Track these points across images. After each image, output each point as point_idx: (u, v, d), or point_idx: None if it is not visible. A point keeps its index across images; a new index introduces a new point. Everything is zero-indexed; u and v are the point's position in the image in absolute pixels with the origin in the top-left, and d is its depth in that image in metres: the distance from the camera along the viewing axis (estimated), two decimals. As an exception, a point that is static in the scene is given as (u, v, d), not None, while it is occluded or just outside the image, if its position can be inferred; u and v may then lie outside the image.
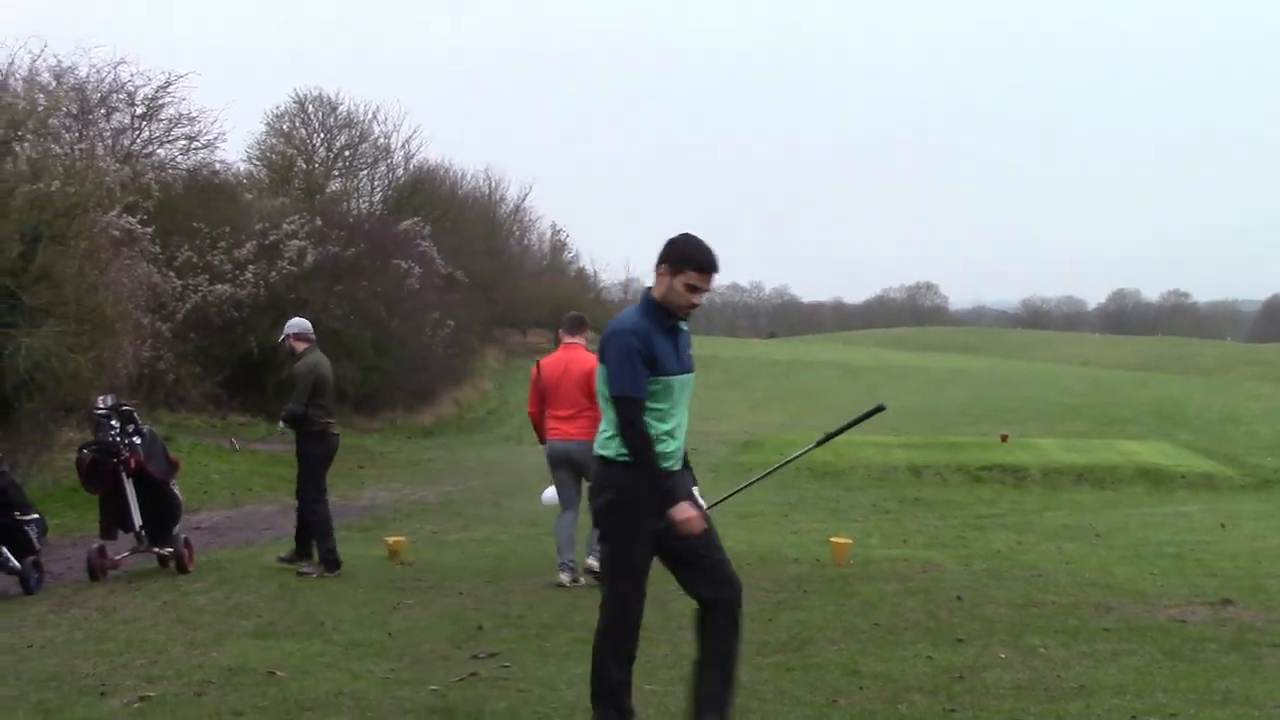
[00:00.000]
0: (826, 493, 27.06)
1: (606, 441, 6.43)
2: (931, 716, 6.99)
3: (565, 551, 12.58)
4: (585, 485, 12.51)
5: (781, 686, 7.72)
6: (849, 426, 9.00)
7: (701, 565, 6.64)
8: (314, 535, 13.48)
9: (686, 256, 6.33)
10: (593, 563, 12.19)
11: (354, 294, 41.97)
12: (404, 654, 8.75)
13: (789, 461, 9.80)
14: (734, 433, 42.25)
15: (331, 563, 13.25)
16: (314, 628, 9.78)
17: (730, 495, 10.33)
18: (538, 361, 13.05)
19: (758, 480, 9.72)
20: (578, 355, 12.59)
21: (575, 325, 12.98)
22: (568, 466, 12.52)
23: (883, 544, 17.95)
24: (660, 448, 6.30)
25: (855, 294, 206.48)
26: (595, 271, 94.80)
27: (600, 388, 6.45)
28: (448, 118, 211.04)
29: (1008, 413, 48.71)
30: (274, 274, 39.84)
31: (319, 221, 42.94)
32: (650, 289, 6.45)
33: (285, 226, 41.59)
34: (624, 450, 6.29)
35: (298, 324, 14.25)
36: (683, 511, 6.20)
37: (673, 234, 6.45)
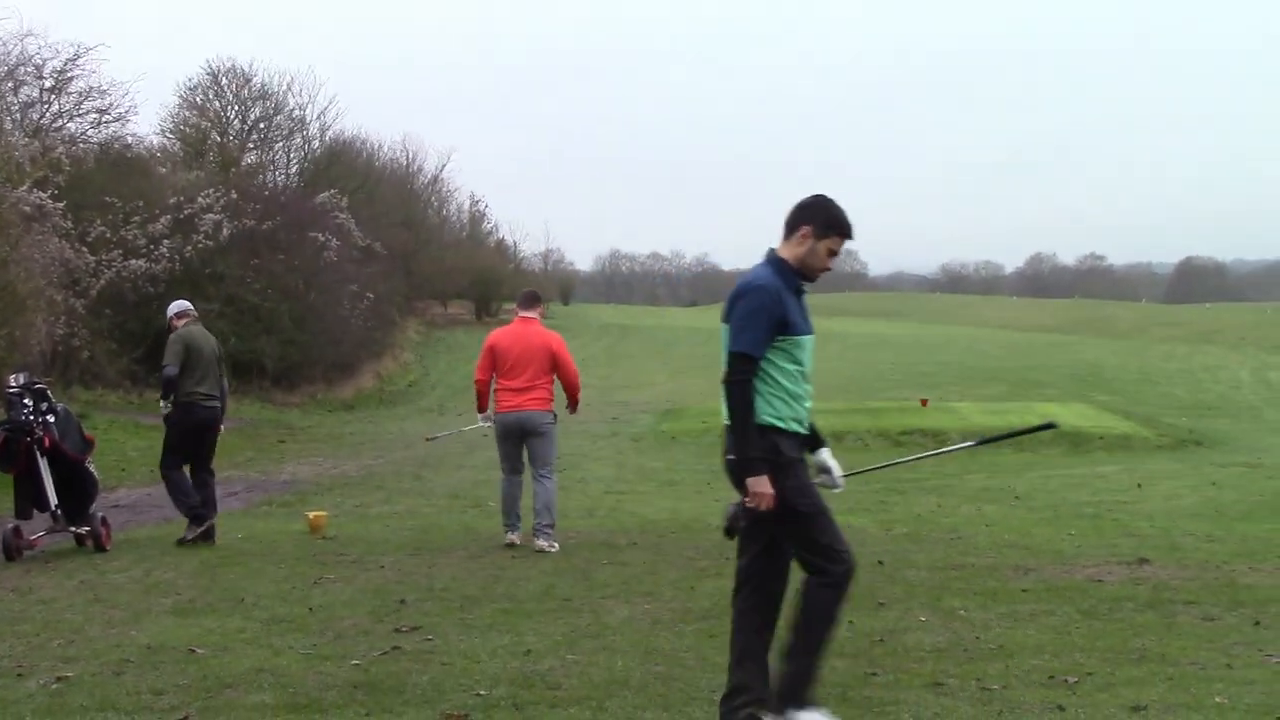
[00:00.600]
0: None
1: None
2: (853, 680, 7.02)
3: (512, 514, 13.01)
4: (527, 454, 13.02)
5: (704, 654, 7.73)
6: (1012, 436, 9.27)
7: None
8: (171, 498, 13.81)
9: (834, 221, 6.25)
10: (543, 544, 12.55)
11: (271, 268, 41.64)
12: (325, 629, 8.70)
13: (936, 454, 10.20)
14: (655, 401, 42.33)
15: (196, 518, 13.44)
16: (234, 604, 9.70)
17: (875, 468, 10.58)
18: (491, 331, 13.47)
19: (908, 461, 9.81)
20: (534, 329, 13.01)
21: (531, 300, 13.46)
22: (518, 437, 12.86)
23: (805, 510, 18.02)
24: (802, 407, 6.14)
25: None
26: (515, 242, 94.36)
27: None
28: (365, 88, 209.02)
29: (927, 377, 49.07)
30: (189, 249, 39.43)
31: (234, 195, 42.52)
32: (776, 250, 6.27)
33: (200, 200, 41.13)
34: (772, 413, 6.03)
35: (175, 306, 14.50)
36: (760, 485, 5.90)
37: (808, 198, 6.37)
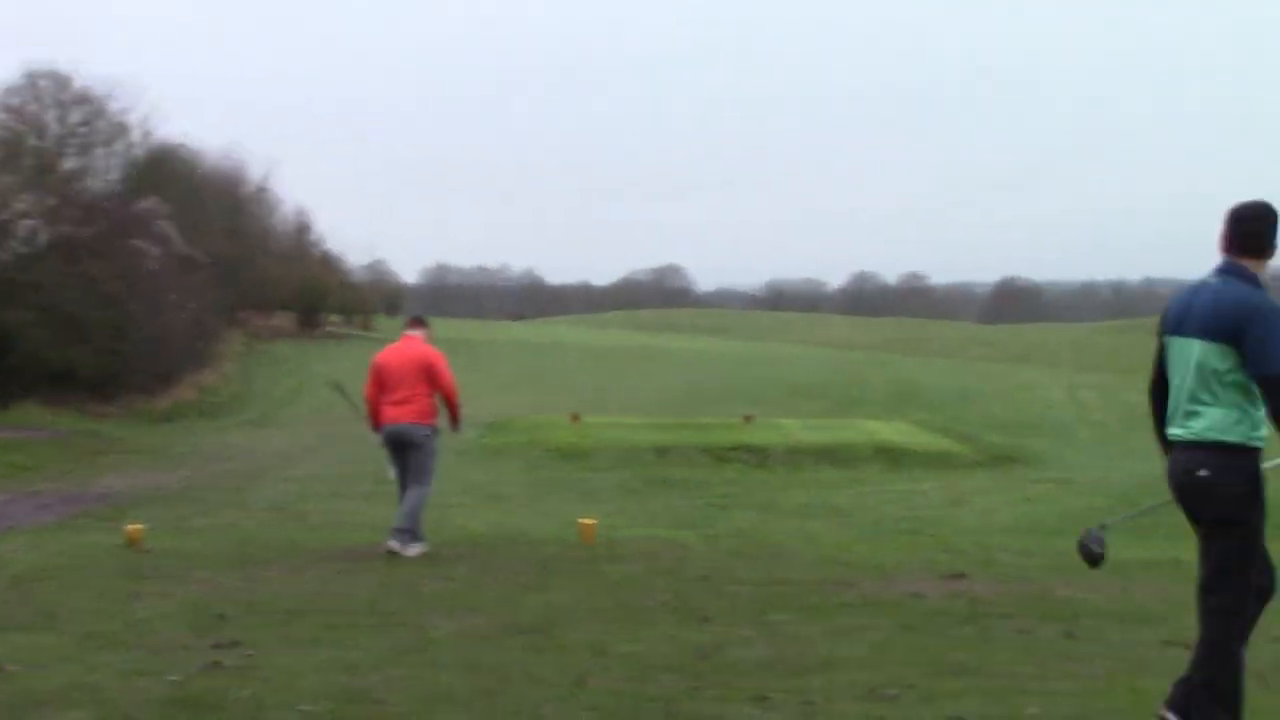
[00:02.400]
0: (574, 474, 27.17)
1: (1231, 427, 5.83)
2: (678, 695, 7.05)
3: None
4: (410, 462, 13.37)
5: (529, 668, 7.71)
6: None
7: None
8: None
9: None
10: (395, 545, 12.88)
11: (91, 275, 40.74)
12: (142, 644, 8.51)
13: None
14: (480, 414, 42.15)
15: None
16: (47, 620, 9.45)
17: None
18: (376, 354, 13.95)
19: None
20: (415, 345, 13.60)
21: (415, 322, 14.13)
22: (400, 447, 13.34)
23: (630, 524, 18.11)
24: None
25: (602, 276, 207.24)
26: (341, 253, 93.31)
27: (1223, 368, 5.82)
28: (190, 94, 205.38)
29: (752, 393, 49.50)
30: (4, 254, 38.42)
31: (52, 200, 41.53)
32: (1246, 264, 5.93)
33: (16, 205, 40.11)
34: (1253, 435, 5.80)
35: None
36: None
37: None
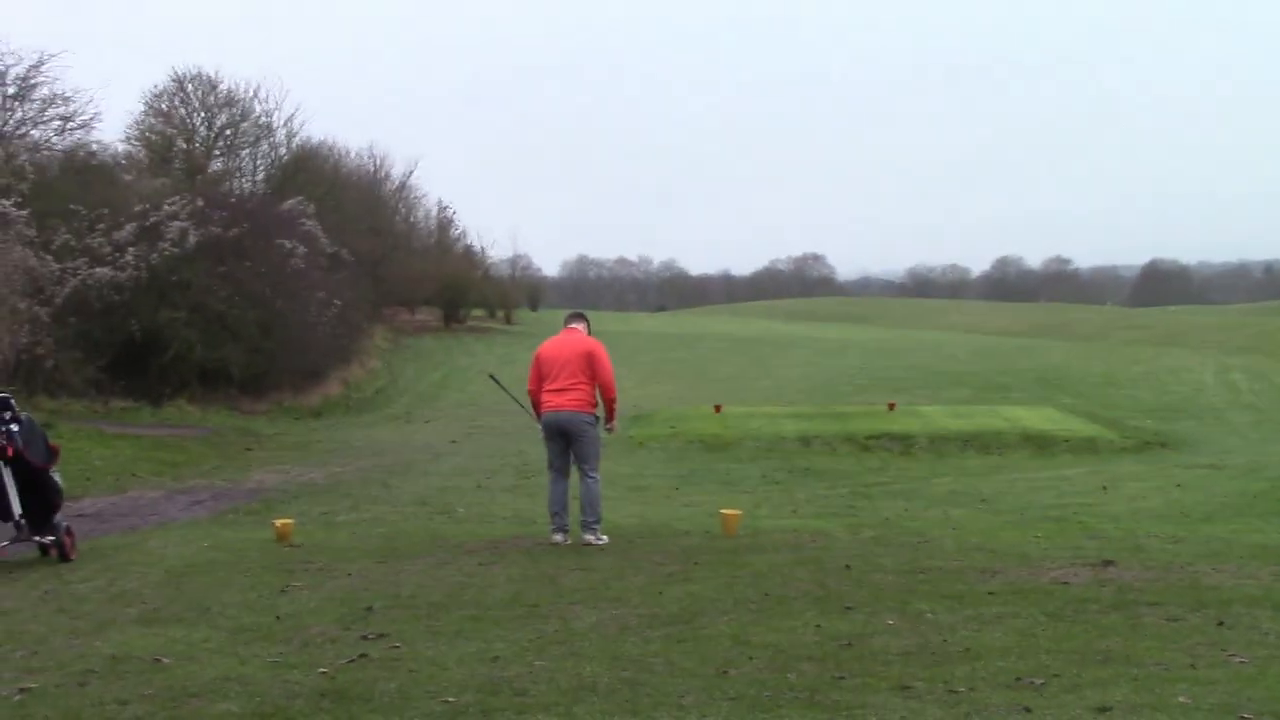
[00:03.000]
0: (717, 465, 27.17)
1: None
2: (820, 684, 7.02)
3: (559, 516, 13.66)
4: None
5: (671, 659, 7.72)
6: None
7: None
8: None
9: None
10: (590, 539, 13.38)
11: (237, 275, 41.48)
12: (292, 637, 8.66)
13: None
14: (623, 407, 42.26)
15: None
16: (200, 613, 9.65)
17: None
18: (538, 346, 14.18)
19: None
20: (576, 336, 13.84)
21: (575, 316, 14.38)
22: (559, 436, 13.60)
23: (773, 514, 18.07)
24: None
25: (744, 266, 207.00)
26: (483, 248, 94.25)
27: None
28: (333, 93, 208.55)
29: (894, 381, 49.16)
30: (155, 256, 39.26)
31: (200, 202, 42.34)
32: None
33: (166, 208, 40.97)
34: None
35: None
36: None
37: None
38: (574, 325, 14.06)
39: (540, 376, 13.66)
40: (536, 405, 13.78)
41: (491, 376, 17.60)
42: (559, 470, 13.74)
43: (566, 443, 13.62)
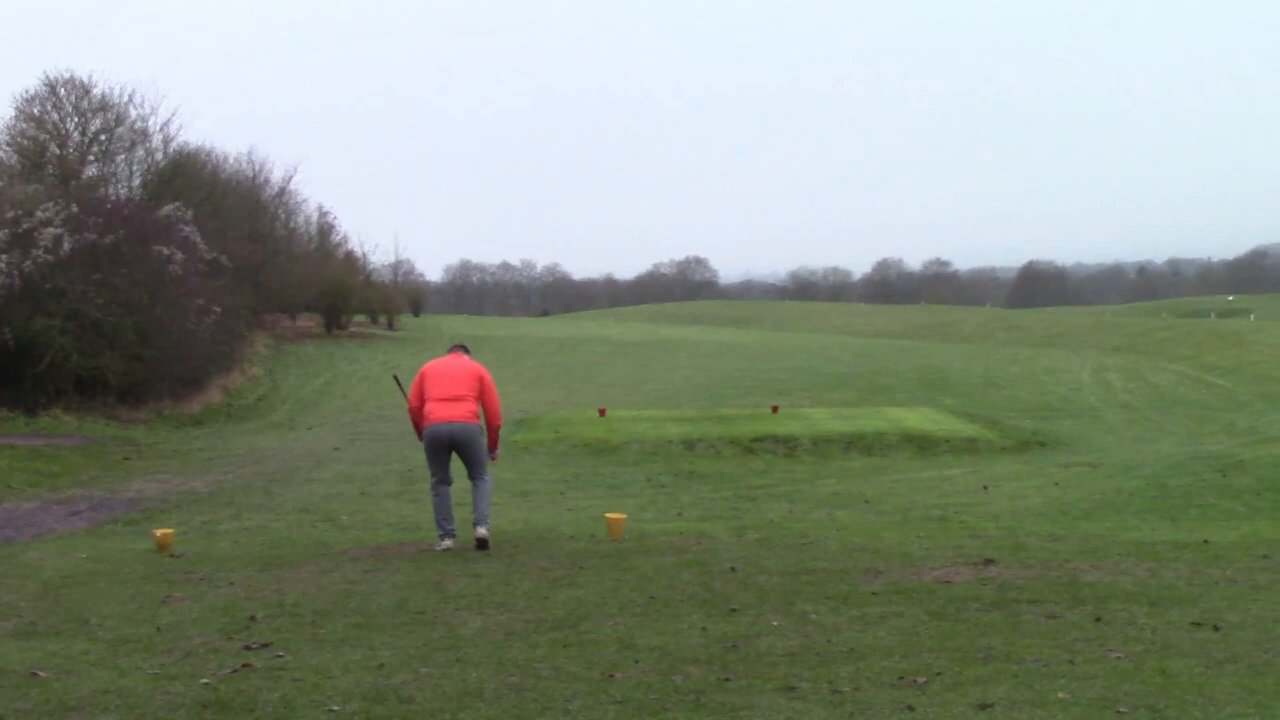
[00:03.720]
0: (602, 469, 27.18)
1: None
2: (706, 686, 7.06)
3: (446, 523, 13.63)
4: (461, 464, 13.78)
5: (557, 663, 7.72)
6: None
7: None
8: None
9: None
10: (483, 531, 13.41)
11: (114, 282, 40.81)
12: (173, 648, 8.55)
13: None
14: (508, 411, 42.19)
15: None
16: (79, 626, 9.50)
17: None
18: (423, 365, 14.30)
19: None
20: (465, 360, 14.06)
21: (459, 347, 14.48)
22: (447, 448, 13.63)
23: (658, 518, 18.13)
24: None
25: (627, 270, 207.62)
26: (364, 254, 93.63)
27: None
28: (211, 99, 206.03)
29: (778, 383, 49.52)
30: (28, 263, 38.54)
31: (75, 208, 41.62)
32: None
33: (39, 214, 40.21)
34: None
35: None
36: None
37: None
38: (459, 352, 14.23)
39: (424, 392, 13.68)
40: (418, 422, 13.78)
41: (395, 377, 17.61)
42: (442, 479, 13.74)
43: (451, 453, 13.65)
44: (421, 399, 13.70)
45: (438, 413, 13.50)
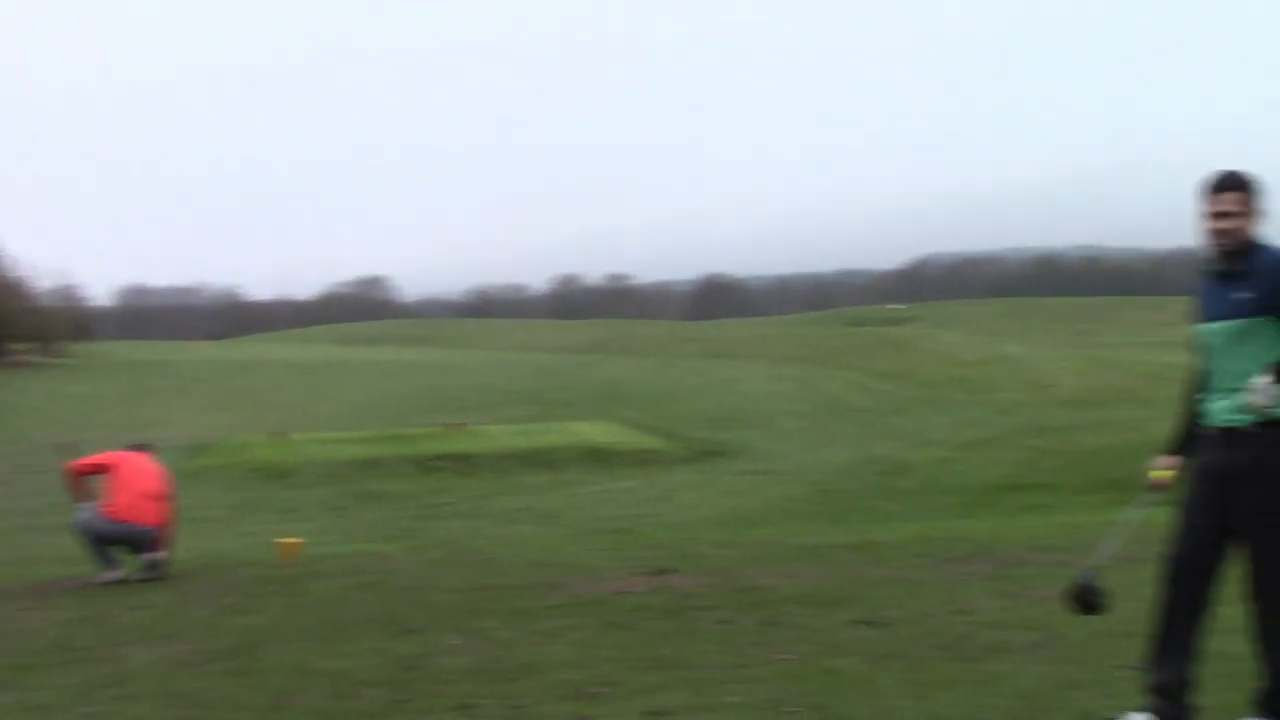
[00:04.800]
0: (278, 493, 26.74)
1: None
2: (382, 709, 6.96)
3: (106, 554, 13.06)
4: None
5: (228, 693, 7.52)
6: None
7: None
8: None
9: (1200, 188, 5.61)
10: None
11: None
12: None
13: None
14: (181, 437, 41.10)
15: None
16: None
17: None
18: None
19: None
20: (156, 464, 13.69)
21: (145, 446, 14.14)
22: (141, 544, 13.16)
23: (335, 540, 17.92)
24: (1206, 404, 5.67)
25: (307, 290, 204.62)
26: (27, 278, 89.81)
27: None
28: None
29: (459, 401, 49.49)
30: None
31: None
32: None
33: None
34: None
35: None
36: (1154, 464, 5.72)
37: None
38: (146, 452, 13.90)
39: (121, 482, 13.15)
40: (77, 483, 13.35)
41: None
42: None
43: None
44: (93, 469, 13.32)
45: (145, 509, 13.04)
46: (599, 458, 30.77)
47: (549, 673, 7.67)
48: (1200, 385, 5.73)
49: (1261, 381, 5.33)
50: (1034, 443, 31.02)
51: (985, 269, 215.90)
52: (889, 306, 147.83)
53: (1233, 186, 5.50)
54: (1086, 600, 5.88)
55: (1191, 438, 5.76)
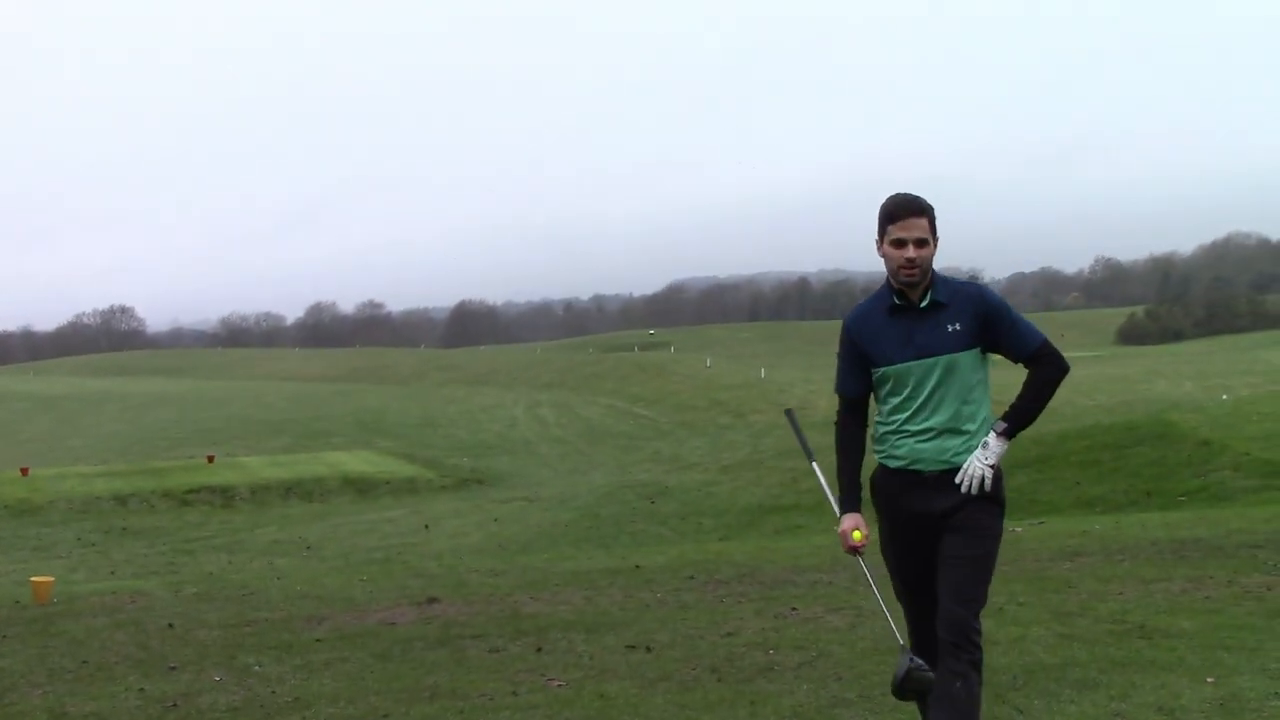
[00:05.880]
0: (26, 531, 25.84)
1: None
2: (145, 750, 6.78)
3: None
4: None
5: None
6: None
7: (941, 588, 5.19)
8: None
9: (882, 213, 5.18)
10: None
11: None
12: None
13: None
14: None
15: None
16: None
17: None
18: None
19: None
20: None
21: None
22: None
23: (89, 578, 17.40)
24: (893, 447, 5.23)
25: (47, 322, 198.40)
26: None
27: None
28: None
29: (213, 433, 48.50)
30: None
31: None
32: None
33: None
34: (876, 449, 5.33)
35: None
36: (842, 524, 5.26)
37: None
38: None
39: None
40: None
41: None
42: None
43: None
44: None
45: None
46: (360, 487, 30.47)
47: (317, 707, 7.56)
48: (893, 423, 5.32)
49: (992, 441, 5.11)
50: (792, 465, 31.54)
51: (738, 294, 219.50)
52: (651, 331, 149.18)
53: (923, 211, 5.15)
54: (919, 687, 5.06)
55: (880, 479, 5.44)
